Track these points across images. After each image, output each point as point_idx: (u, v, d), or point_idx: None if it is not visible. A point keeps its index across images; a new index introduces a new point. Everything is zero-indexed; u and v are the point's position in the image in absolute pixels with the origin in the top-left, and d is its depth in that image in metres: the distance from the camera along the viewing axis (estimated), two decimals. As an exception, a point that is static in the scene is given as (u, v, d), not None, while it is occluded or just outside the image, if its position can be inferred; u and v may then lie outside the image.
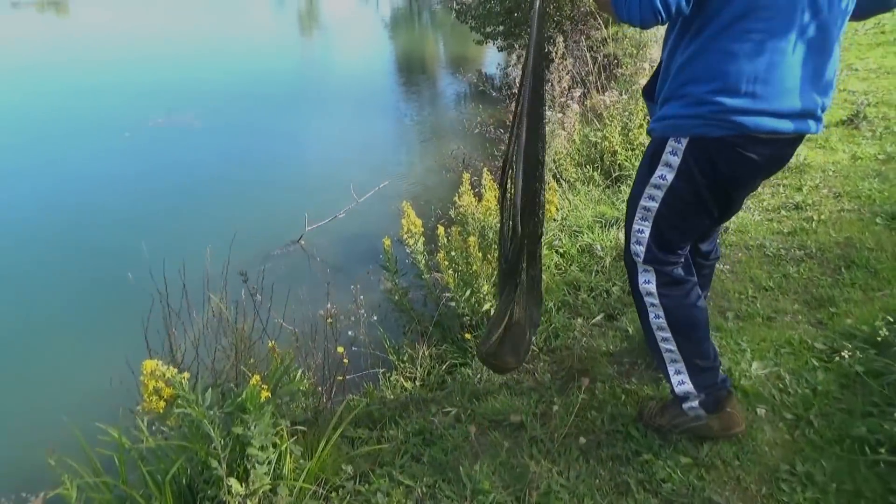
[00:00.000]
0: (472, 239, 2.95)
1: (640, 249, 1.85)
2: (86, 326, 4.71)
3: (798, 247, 2.98)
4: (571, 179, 4.87)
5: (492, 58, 15.53)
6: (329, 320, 2.99)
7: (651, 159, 1.76)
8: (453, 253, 3.13)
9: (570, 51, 7.40)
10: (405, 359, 3.15)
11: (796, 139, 1.69)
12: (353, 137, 8.87)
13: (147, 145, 8.62)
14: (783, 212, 3.33)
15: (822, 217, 3.17)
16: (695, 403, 1.93)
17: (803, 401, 2.09)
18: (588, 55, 7.00)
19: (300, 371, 2.76)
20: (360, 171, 7.24)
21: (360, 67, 14.40)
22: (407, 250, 3.50)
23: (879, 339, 2.13)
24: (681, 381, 1.91)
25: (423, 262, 3.48)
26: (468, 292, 3.14)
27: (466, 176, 3.29)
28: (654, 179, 1.73)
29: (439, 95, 12.13)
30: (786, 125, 1.58)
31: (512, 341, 2.08)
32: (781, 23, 1.49)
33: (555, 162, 4.99)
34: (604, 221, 3.83)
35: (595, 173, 4.85)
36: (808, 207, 3.31)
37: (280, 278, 4.86)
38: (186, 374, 1.90)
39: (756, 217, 3.36)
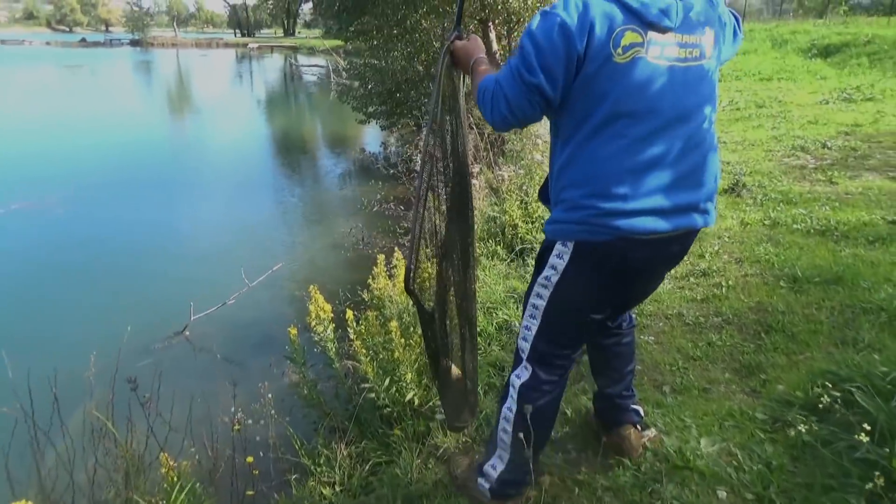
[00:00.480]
0: (393, 324, 2.72)
1: (525, 346, 1.84)
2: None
3: (714, 314, 3.03)
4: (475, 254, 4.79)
5: (371, 136, 15.71)
6: (237, 427, 2.62)
7: (541, 257, 1.76)
8: (371, 340, 2.88)
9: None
10: (321, 461, 2.80)
11: (683, 235, 1.66)
12: (237, 220, 8.42)
13: (1, 234, 7.69)
14: (692, 279, 3.41)
15: (730, 283, 3.27)
16: (486, 485, 2.03)
17: (760, 478, 2.01)
18: (476, 131, 7.16)
19: (202, 489, 2.38)
20: (247, 255, 6.82)
21: (237, 148, 13.97)
22: (315, 338, 3.22)
23: (821, 405, 2.12)
24: (492, 466, 1.99)
25: (334, 350, 3.21)
26: (388, 381, 2.88)
27: (381, 257, 3.09)
28: (542, 279, 1.72)
29: (322, 174, 11.97)
30: (662, 224, 1.56)
31: (464, 398, 2.17)
32: (647, 125, 1.51)
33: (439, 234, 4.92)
34: (516, 296, 3.74)
35: (498, 247, 4.82)
36: (714, 273, 3.42)
37: (165, 376, 4.32)
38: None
39: (668, 285, 3.41)
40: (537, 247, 4.70)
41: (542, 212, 5.07)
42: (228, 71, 40.00)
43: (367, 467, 2.69)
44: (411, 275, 1.72)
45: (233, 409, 2.76)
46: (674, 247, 1.68)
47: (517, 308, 3.62)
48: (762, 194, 4.45)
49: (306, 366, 3.20)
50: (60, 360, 4.88)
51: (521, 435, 1.84)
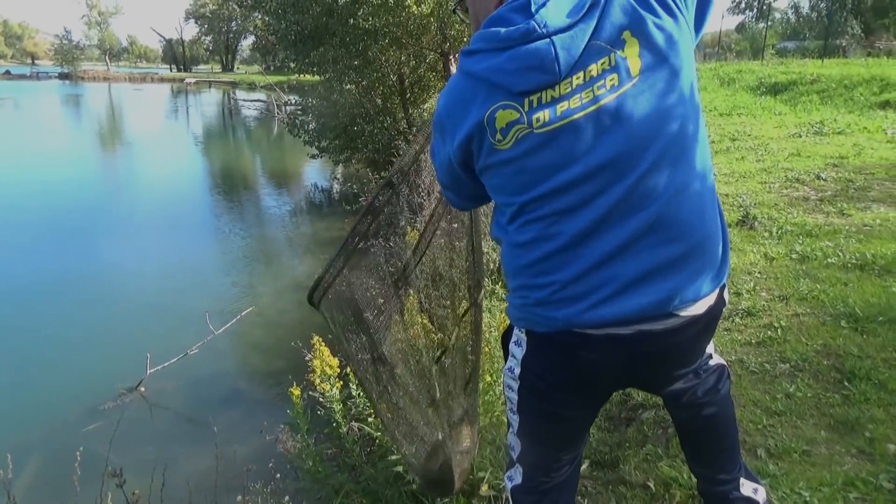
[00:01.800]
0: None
1: (513, 443, 1.50)
2: None
3: (779, 359, 2.71)
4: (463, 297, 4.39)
5: (317, 171, 15.26)
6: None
7: (504, 339, 1.47)
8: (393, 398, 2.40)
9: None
10: (342, 556, 2.29)
11: (667, 328, 1.22)
12: (185, 263, 7.75)
13: None
14: (737, 319, 3.09)
15: (783, 324, 2.97)
16: None
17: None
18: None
19: None
20: (202, 300, 6.21)
21: (178, 186, 13.19)
22: (320, 398, 2.73)
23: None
24: None
25: (340, 411, 2.72)
26: (415, 449, 2.41)
27: (413, 299, 2.63)
28: (507, 370, 1.41)
29: (273, 211, 11.40)
30: (613, 309, 1.18)
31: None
32: (562, 200, 1.18)
33: (441, 278, 4.50)
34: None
35: (496, 286, 4.43)
36: (760, 313, 3.12)
37: (118, 441, 3.71)
38: None
39: (712, 326, 3.07)
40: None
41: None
42: (165, 105, 38.82)
43: (398, 559, 2.20)
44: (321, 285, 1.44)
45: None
46: (666, 340, 1.24)
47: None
48: (776, 227, 4.25)
49: (310, 432, 2.70)
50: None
51: None
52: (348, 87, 11.86)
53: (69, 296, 6.48)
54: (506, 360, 1.42)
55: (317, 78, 14.03)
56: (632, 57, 1.15)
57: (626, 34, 1.15)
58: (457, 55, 11.02)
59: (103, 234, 8.91)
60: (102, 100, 40.98)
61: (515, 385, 1.38)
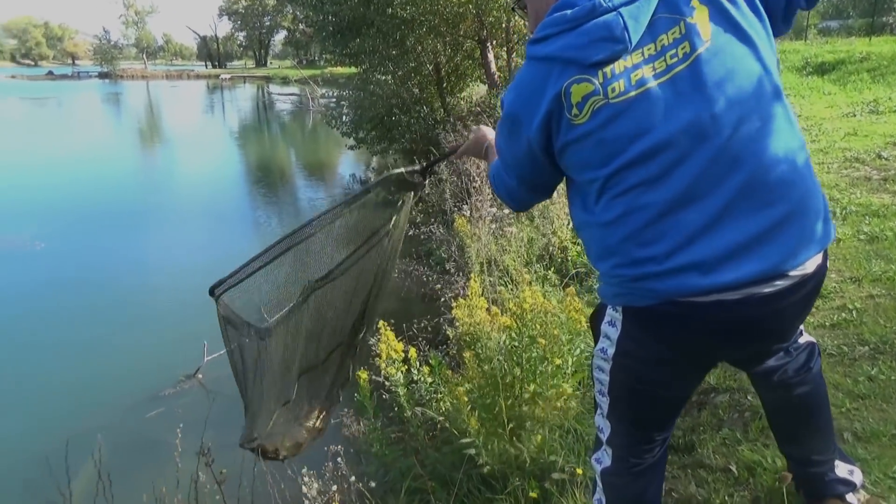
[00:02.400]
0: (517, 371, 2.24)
1: (601, 424, 1.48)
2: None
3: (857, 342, 2.62)
4: (520, 280, 4.35)
5: (352, 163, 15.33)
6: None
7: (594, 321, 1.43)
8: (469, 384, 2.40)
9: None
10: (415, 537, 2.29)
11: (782, 287, 1.17)
12: (232, 254, 7.84)
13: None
14: (807, 301, 3.00)
15: (857, 305, 2.87)
16: None
17: None
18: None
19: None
20: (254, 291, 6.27)
21: (217, 179, 13.39)
22: (386, 382, 2.74)
23: None
24: None
25: (405, 396, 2.72)
26: (485, 433, 2.39)
27: (476, 285, 2.60)
28: (598, 351, 1.39)
29: (310, 203, 11.46)
30: (721, 277, 1.13)
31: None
32: (646, 170, 1.16)
33: (496, 263, 4.47)
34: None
35: (548, 272, 4.38)
36: (832, 295, 3.02)
37: (180, 426, 3.79)
38: None
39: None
40: (593, 270, 4.27)
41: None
42: (201, 101, 39.42)
43: (475, 543, 2.19)
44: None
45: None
46: (774, 304, 1.19)
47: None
48: (840, 207, 4.11)
49: (377, 416, 2.71)
50: (60, 414, 4.34)
51: None
52: (385, 77, 11.89)
53: (123, 285, 6.65)
54: (596, 342, 1.39)
55: (351, 70, 14.11)
56: (702, 23, 1.15)
57: (695, 2, 1.15)
58: (493, 42, 10.95)
59: (150, 226, 9.13)
60: (141, 97, 41.82)
61: (607, 366, 1.36)
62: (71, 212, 9.62)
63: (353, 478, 2.64)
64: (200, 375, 4.55)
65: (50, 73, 68.51)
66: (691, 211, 1.15)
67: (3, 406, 4.37)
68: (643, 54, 1.15)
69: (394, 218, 1.95)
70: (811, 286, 1.23)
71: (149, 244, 8.20)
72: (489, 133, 1.73)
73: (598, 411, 1.47)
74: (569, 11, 1.18)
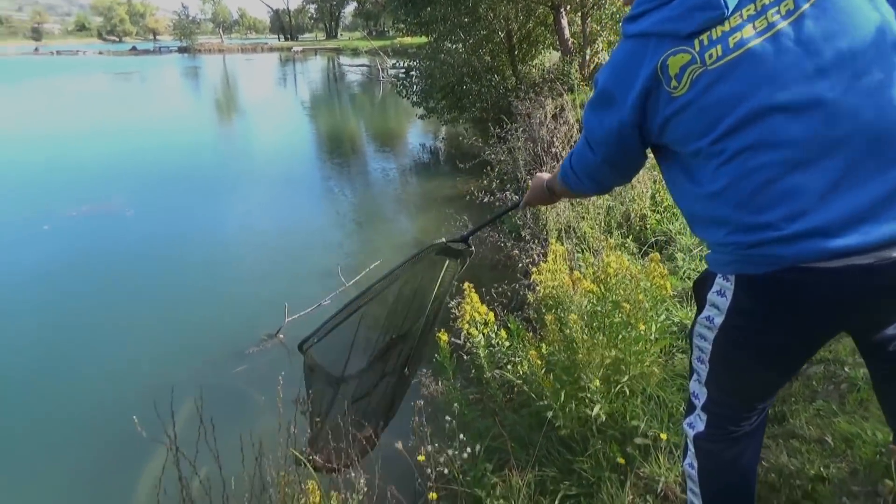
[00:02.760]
0: (572, 316, 2.22)
1: (697, 391, 1.44)
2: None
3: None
4: (597, 248, 4.28)
5: (422, 133, 15.35)
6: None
7: (698, 289, 1.37)
8: (548, 347, 2.39)
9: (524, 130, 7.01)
10: (496, 493, 2.32)
11: None
12: (309, 220, 8.06)
13: (74, 237, 7.42)
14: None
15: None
16: None
17: None
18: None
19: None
20: (331, 255, 6.45)
21: (291, 148, 13.68)
22: (468, 344, 2.76)
23: None
24: None
25: (485, 357, 2.74)
26: (563, 395, 2.39)
27: (558, 245, 2.59)
28: (703, 319, 1.33)
29: (384, 172, 11.56)
30: (852, 239, 1.06)
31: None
32: (764, 131, 1.10)
33: (574, 231, 4.40)
34: (683, 296, 3.22)
35: (626, 240, 4.29)
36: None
37: (264, 383, 3.96)
38: None
39: None
40: (675, 238, 4.16)
41: (672, 203, 4.53)
42: (274, 73, 40.25)
43: (555, 501, 2.20)
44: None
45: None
46: None
47: (689, 308, 3.10)
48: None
49: (455, 377, 2.74)
50: (151, 368, 4.61)
51: (714, 496, 1.48)
52: (455, 45, 11.79)
53: (208, 249, 6.95)
54: (700, 310, 1.34)
55: (421, 39, 14.05)
56: None
57: None
58: (567, 8, 10.64)
59: (230, 193, 9.44)
60: (218, 70, 43.07)
61: (711, 335, 1.32)
62: (157, 179, 10.07)
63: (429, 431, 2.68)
64: (281, 336, 4.72)
65: (133, 48, 71.43)
66: (808, 173, 1.08)
67: (102, 357, 4.68)
68: (742, 16, 1.11)
69: (438, 280, 2.38)
70: None
71: (230, 210, 8.51)
72: (543, 176, 1.85)
73: (695, 377, 1.44)
74: None
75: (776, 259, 1.12)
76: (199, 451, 1.92)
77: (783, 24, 1.10)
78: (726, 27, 1.12)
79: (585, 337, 2.31)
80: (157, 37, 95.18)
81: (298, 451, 2.27)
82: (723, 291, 1.25)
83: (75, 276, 6.17)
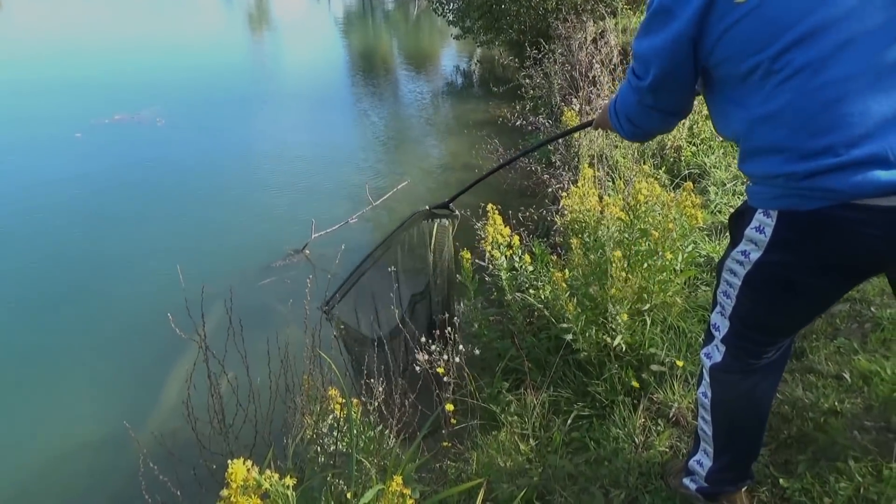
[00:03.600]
0: (617, 254, 2.22)
1: (719, 323, 1.43)
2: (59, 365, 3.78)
3: None
4: (629, 177, 4.21)
5: (453, 54, 14.97)
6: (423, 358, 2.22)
7: (735, 222, 1.33)
8: (574, 272, 2.40)
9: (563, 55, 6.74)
10: (511, 410, 2.39)
11: None
12: (336, 141, 8.01)
13: (106, 145, 7.49)
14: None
15: None
16: (692, 485, 1.69)
17: None
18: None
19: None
20: (359, 174, 6.45)
21: (321, 68, 13.37)
22: (490, 266, 2.78)
23: None
24: (698, 462, 1.64)
25: (507, 279, 2.76)
26: (583, 321, 2.41)
27: (589, 170, 2.55)
28: (737, 253, 1.30)
29: (412, 93, 11.35)
30: None
31: None
32: (826, 45, 1.04)
33: (606, 159, 4.32)
34: (712, 230, 3.17)
35: (660, 171, 4.20)
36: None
37: (291, 296, 4.05)
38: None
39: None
40: (709, 172, 4.06)
41: (710, 134, 4.40)
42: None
43: (567, 420, 2.26)
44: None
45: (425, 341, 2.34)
46: None
47: (720, 242, 3.06)
48: None
49: (477, 296, 2.78)
50: (183, 274, 4.71)
51: (722, 426, 1.52)
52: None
53: (237, 163, 7.00)
54: (734, 244, 1.31)
55: (461, -47, 13.46)
56: None
57: None
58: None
59: (260, 110, 9.40)
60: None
61: (743, 270, 1.29)
62: (188, 93, 10.02)
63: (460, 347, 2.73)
64: (307, 251, 4.79)
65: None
66: (874, 96, 1.03)
67: (137, 261, 4.82)
68: None
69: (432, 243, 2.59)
70: None
71: (259, 126, 8.49)
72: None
73: (718, 309, 1.42)
74: None
75: (829, 193, 1.07)
76: (227, 352, 1.99)
77: None
78: None
79: (612, 264, 2.30)
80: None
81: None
82: (762, 228, 1.21)
83: (106, 183, 6.29)
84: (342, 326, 2.59)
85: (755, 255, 1.25)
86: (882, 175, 1.02)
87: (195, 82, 10.83)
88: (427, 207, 2.61)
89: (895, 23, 1.02)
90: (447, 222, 2.63)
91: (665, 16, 1.22)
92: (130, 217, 5.53)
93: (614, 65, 5.27)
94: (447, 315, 2.62)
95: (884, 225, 1.07)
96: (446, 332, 2.33)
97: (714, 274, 1.79)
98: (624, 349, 2.35)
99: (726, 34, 1.14)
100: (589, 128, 2.02)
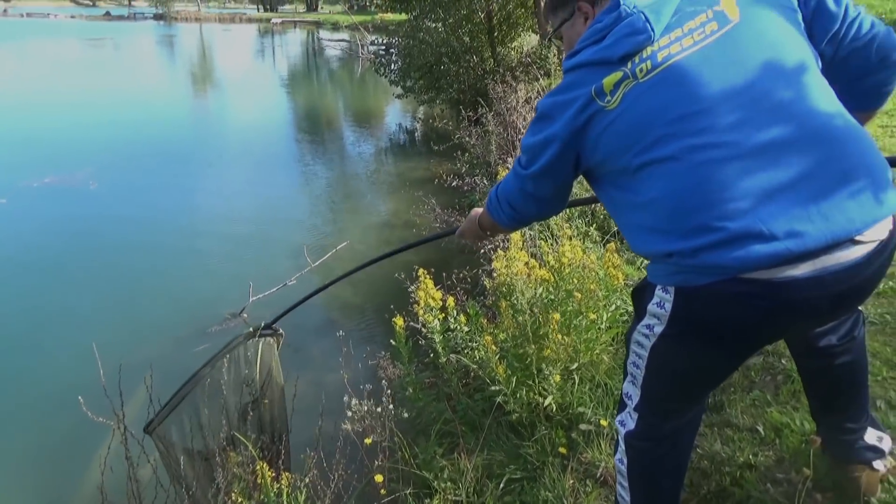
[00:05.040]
0: (556, 316, 2.28)
1: (631, 392, 1.47)
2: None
3: (902, 310, 2.57)
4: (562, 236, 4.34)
5: (400, 112, 15.28)
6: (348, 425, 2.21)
7: (638, 296, 1.39)
8: (502, 334, 2.45)
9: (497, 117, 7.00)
10: (444, 476, 2.38)
11: (852, 262, 1.11)
12: (278, 199, 7.99)
13: (33, 210, 7.27)
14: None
15: (905, 273, 2.81)
16: None
17: None
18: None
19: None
20: (298, 234, 6.43)
21: (265, 124, 13.41)
22: (422, 328, 2.81)
23: None
24: None
25: (440, 342, 2.79)
26: (514, 382, 2.45)
27: (517, 236, 2.64)
28: (642, 327, 1.35)
29: (359, 151, 11.51)
30: (791, 243, 1.07)
31: None
32: (692, 135, 1.15)
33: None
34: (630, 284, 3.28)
35: (590, 228, 4.35)
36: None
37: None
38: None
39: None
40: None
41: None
42: (252, 45, 39.47)
43: (500, 484, 2.27)
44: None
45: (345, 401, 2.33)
46: (849, 278, 1.13)
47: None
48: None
49: (412, 362, 2.79)
50: (111, 345, 4.57)
51: (642, 490, 1.54)
52: (435, 24, 11.69)
53: (173, 226, 6.88)
54: (639, 318, 1.36)
55: (402, 17, 13.90)
56: (730, 7, 1.21)
57: None
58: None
59: (200, 169, 9.32)
60: (194, 40, 42.08)
61: (649, 343, 1.34)
62: (125, 153, 9.84)
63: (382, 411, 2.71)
64: (245, 315, 4.73)
65: (107, 13, 69.45)
66: (736, 174, 1.12)
67: (59, 335, 4.64)
68: (670, 37, 1.20)
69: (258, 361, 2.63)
70: (888, 254, 1.18)
71: (199, 186, 8.41)
72: (478, 210, 1.84)
73: (629, 379, 1.47)
74: (599, 24, 1.26)
75: (715, 268, 1.13)
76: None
77: (709, 41, 1.19)
78: (655, 47, 1.20)
79: (558, 336, 2.35)
80: (133, 2, 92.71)
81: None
82: (662, 303, 1.27)
83: (31, 251, 6.09)
84: (163, 446, 2.43)
85: (659, 329, 1.30)
86: (760, 249, 1.09)
87: (133, 142, 10.67)
88: (251, 329, 2.72)
89: (748, 110, 1.13)
90: (272, 340, 2.76)
91: (546, 120, 1.33)
92: (55, 286, 5.35)
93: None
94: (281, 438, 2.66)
95: (772, 297, 1.13)
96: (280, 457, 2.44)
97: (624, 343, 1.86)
98: (554, 409, 2.40)
99: (603, 136, 1.25)
100: (451, 236, 2.07)
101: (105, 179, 8.32)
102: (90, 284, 5.38)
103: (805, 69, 1.18)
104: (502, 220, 1.61)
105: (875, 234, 1.13)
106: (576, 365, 2.51)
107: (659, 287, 1.27)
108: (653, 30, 1.18)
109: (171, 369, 4.08)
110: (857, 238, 1.11)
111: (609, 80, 1.22)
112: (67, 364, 4.22)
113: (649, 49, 1.19)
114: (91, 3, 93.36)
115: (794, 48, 1.21)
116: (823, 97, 1.18)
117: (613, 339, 2.76)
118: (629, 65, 1.20)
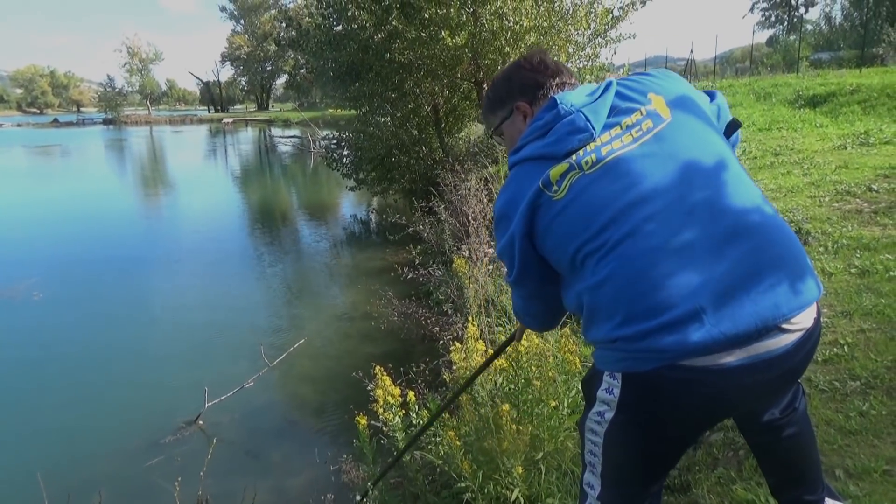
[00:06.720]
0: (505, 407, 2.28)
1: (591, 481, 1.45)
2: None
3: (849, 377, 2.64)
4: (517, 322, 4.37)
5: (354, 203, 15.48)
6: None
7: (588, 385, 1.41)
8: (466, 428, 2.42)
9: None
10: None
11: (783, 349, 1.19)
12: (231, 298, 7.86)
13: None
14: (799, 337, 3.03)
15: (849, 340, 2.90)
16: None
17: None
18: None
19: None
20: (252, 334, 6.31)
21: (219, 223, 13.40)
22: (383, 427, 2.76)
23: None
24: None
25: (403, 439, 2.74)
26: (481, 476, 2.41)
27: (473, 329, 2.65)
28: (594, 415, 1.37)
29: (313, 245, 11.55)
30: (719, 328, 1.14)
31: None
32: (634, 223, 1.22)
33: (495, 304, 4.50)
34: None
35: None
36: (823, 331, 3.06)
37: (181, 475, 3.78)
38: None
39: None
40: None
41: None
42: (203, 145, 39.89)
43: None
44: None
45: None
46: (781, 364, 1.21)
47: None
48: (831, 241, 4.15)
49: (376, 462, 2.72)
50: (59, 463, 4.33)
51: None
52: (384, 119, 12.09)
53: (123, 333, 6.67)
54: (589, 405, 1.39)
55: (352, 112, 14.33)
56: (661, 107, 1.34)
57: (651, 95, 1.36)
58: (490, 83, 11.14)
59: (151, 273, 9.15)
60: (144, 143, 42.34)
61: (602, 430, 1.35)
62: (71, 262, 9.65)
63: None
64: (201, 422, 4.56)
65: (55, 120, 69.62)
66: (678, 261, 1.18)
67: (3, 454, 4.38)
68: (610, 134, 1.31)
69: None
70: (814, 339, 1.26)
71: (149, 290, 8.25)
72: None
73: (588, 469, 1.46)
74: (540, 122, 1.36)
75: (658, 354, 1.17)
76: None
77: (646, 138, 1.29)
78: (598, 142, 1.30)
79: (513, 427, 2.34)
80: (81, 108, 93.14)
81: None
82: (611, 389, 1.30)
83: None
84: None
85: (609, 415, 1.32)
86: (695, 334, 1.14)
87: (79, 251, 10.49)
88: None
89: (686, 202, 1.22)
90: None
91: (504, 220, 1.39)
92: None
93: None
94: None
95: (711, 384, 1.17)
96: None
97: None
98: (522, 502, 2.35)
99: (551, 226, 1.31)
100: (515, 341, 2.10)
101: (49, 290, 8.08)
102: (31, 403, 5.12)
103: (729, 164, 1.30)
104: (533, 328, 1.70)
105: (801, 321, 1.20)
106: (540, 454, 2.49)
107: (606, 373, 1.31)
108: (593, 128, 1.29)
109: (123, 488, 3.89)
110: (785, 326, 1.17)
111: (555, 171, 1.30)
112: (13, 485, 3.96)
113: (592, 144, 1.29)
114: (38, 111, 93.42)
115: (719, 146, 1.34)
116: (749, 191, 1.28)
117: (576, 425, 2.75)
118: (574, 157, 1.29)
